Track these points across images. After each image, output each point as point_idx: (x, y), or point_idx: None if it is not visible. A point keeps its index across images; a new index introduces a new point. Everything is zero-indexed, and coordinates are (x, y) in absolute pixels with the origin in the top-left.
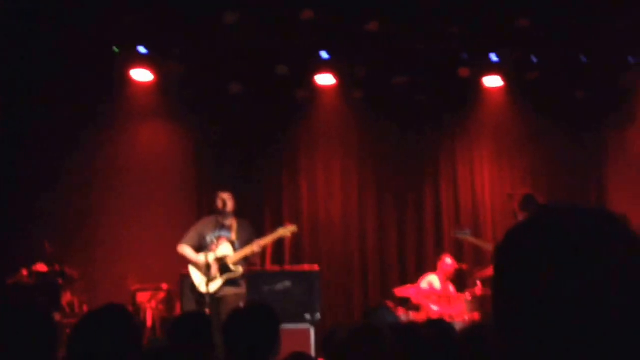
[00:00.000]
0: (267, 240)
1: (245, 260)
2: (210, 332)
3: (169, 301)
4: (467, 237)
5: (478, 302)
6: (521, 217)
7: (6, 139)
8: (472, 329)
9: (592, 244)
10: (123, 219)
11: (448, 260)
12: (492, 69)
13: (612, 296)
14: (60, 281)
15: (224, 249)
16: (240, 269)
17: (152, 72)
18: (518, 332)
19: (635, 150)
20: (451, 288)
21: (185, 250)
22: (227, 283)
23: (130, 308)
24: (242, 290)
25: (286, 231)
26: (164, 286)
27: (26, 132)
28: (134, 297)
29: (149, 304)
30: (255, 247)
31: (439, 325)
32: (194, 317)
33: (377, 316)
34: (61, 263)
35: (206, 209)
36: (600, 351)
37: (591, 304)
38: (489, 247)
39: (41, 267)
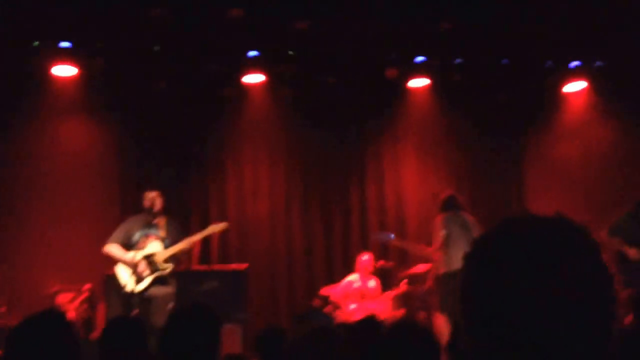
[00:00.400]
0: (198, 237)
1: (175, 259)
2: (144, 336)
3: (91, 302)
4: (391, 240)
5: (403, 300)
6: (439, 218)
7: None
8: (398, 325)
9: (553, 252)
10: (44, 218)
11: (365, 257)
12: (418, 70)
13: (570, 302)
14: None
15: (153, 247)
16: (169, 267)
17: (75, 67)
18: (482, 335)
19: (554, 154)
20: (373, 284)
21: (112, 249)
22: (156, 282)
23: None
24: (171, 289)
25: (217, 227)
26: (87, 286)
27: None
28: (54, 298)
29: (71, 304)
30: (185, 243)
31: (368, 324)
32: (124, 321)
33: (312, 319)
34: None
35: (130, 207)
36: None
37: (552, 310)
38: (413, 248)
39: None
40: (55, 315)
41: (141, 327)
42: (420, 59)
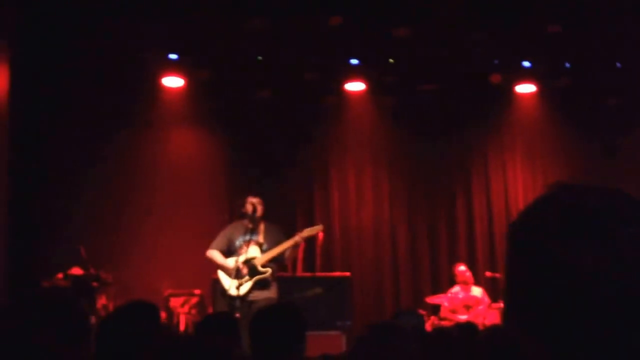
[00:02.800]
0: (295, 240)
1: (276, 264)
2: (237, 331)
3: (201, 306)
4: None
5: None
6: None
7: (41, 145)
8: (493, 331)
9: (606, 220)
10: (156, 224)
11: (461, 268)
12: (524, 75)
13: (624, 272)
14: (95, 285)
15: (252, 252)
16: (269, 270)
17: (182, 78)
18: (529, 309)
19: None
20: (477, 294)
21: (214, 254)
22: (258, 287)
23: (163, 313)
24: (273, 294)
25: (313, 230)
26: (197, 291)
27: (60, 139)
28: (167, 302)
29: (182, 308)
30: (281, 248)
31: (465, 329)
32: (219, 316)
33: (402, 319)
34: (96, 267)
35: (237, 214)
36: (614, 330)
37: (603, 280)
38: None
39: (77, 271)
40: (144, 305)
41: (233, 322)
42: (526, 64)
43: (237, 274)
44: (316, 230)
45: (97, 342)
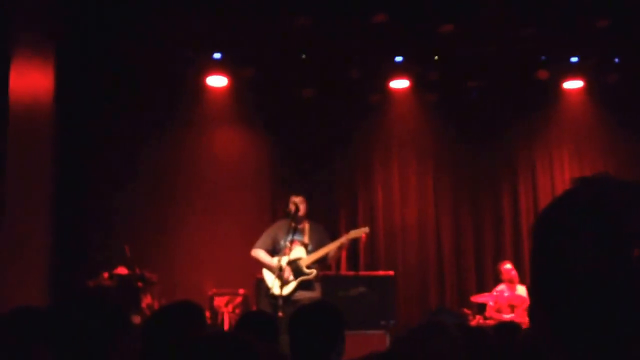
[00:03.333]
0: (340, 241)
1: (320, 263)
2: (275, 329)
3: (245, 306)
4: None
5: None
6: None
7: (85, 145)
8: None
9: (622, 215)
10: (200, 223)
11: (507, 266)
12: (572, 71)
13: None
14: (140, 284)
15: (297, 252)
16: (313, 272)
17: (226, 77)
18: (549, 306)
19: None
20: (522, 292)
21: (259, 253)
22: (302, 287)
23: (208, 312)
24: (316, 294)
25: (359, 232)
26: (241, 291)
27: (104, 139)
28: (211, 301)
29: (226, 308)
30: (327, 249)
31: (505, 328)
32: (257, 314)
33: (441, 317)
34: (141, 267)
35: (281, 213)
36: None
37: (613, 277)
38: None
39: (122, 271)
40: (189, 305)
41: (270, 320)
42: (574, 59)
43: (281, 274)
44: (362, 232)
45: (142, 341)
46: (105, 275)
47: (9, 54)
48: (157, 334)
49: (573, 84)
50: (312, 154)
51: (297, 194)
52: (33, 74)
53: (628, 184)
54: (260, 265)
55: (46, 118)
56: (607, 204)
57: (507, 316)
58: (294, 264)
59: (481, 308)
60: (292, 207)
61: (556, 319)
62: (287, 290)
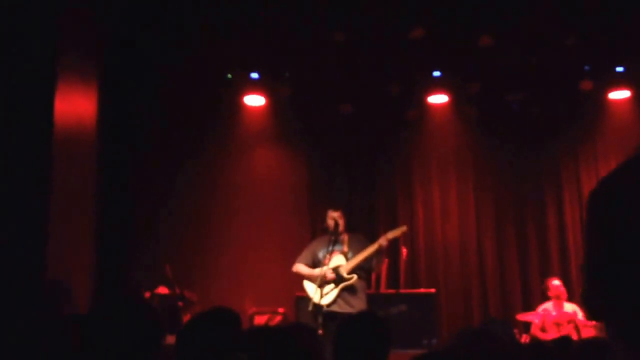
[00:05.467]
0: (379, 243)
1: (364, 272)
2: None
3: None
4: None
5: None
6: None
7: (127, 168)
8: (587, 342)
9: None
10: (239, 242)
11: (555, 282)
12: (617, 81)
13: None
14: (180, 304)
15: (337, 260)
16: (354, 277)
17: (263, 96)
18: (604, 279)
19: None
20: (570, 310)
21: (300, 267)
22: (345, 295)
23: None
24: (361, 306)
25: (397, 232)
26: (281, 309)
27: (146, 161)
28: (251, 320)
29: None
30: (367, 252)
31: (559, 342)
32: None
33: (492, 326)
34: (181, 286)
35: (319, 230)
36: None
37: None
38: None
39: (163, 290)
40: (225, 311)
41: (315, 336)
42: (619, 69)
43: (322, 282)
44: (400, 231)
45: (177, 346)
46: (147, 295)
47: (54, 78)
48: (192, 340)
49: (619, 94)
50: (351, 171)
51: (335, 209)
52: (77, 98)
53: None
54: (302, 279)
55: (89, 142)
56: None
57: (552, 335)
58: (334, 272)
59: (527, 326)
60: (330, 222)
61: (613, 297)
62: (329, 298)
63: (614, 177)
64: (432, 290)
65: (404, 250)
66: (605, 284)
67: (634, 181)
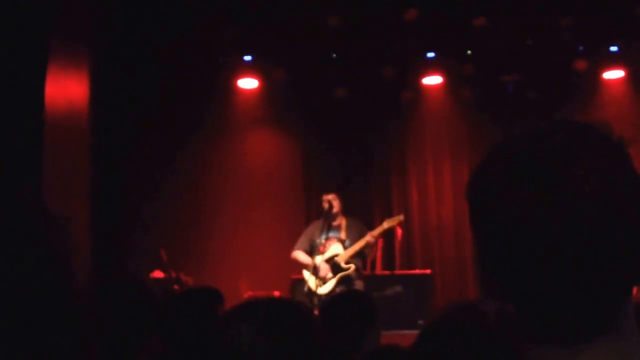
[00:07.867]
0: (376, 232)
1: (360, 257)
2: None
3: None
4: None
5: None
6: None
7: (120, 151)
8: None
9: (548, 164)
10: (233, 226)
11: None
12: (612, 60)
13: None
14: (176, 288)
15: (334, 249)
16: (351, 266)
17: (256, 79)
18: (487, 267)
19: None
20: None
21: (298, 254)
22: (342, 284)
23: None
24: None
25: (394, 221)
26: (276, 293)
27: (138, 143)
28: None
29: None
30: (364, 241)
31: None
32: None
33: (484, 302)
34: (177, 270)
35: (315, 213)
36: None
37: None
38: None
39: (158, 274)
40: (207, 290)
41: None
42: (613, 48)
43: (319, 272)
44: (397, 220)
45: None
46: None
47: (45, 62)
48: (175, 317)
49: (613, 74)
50: (345, 154)
51: (329, 192)
52: (68, 81)
53: (561, 127)
54: (300, 266)
55: (82, 125)
56: (534, 155)
57: None
58: (331, 261)
59: None
60: (325, 205)
61: (506, 283)
62: (327, 288)
63: (482, 168)
64: (428, 271)
65: (399, 231)
66: (485, 270)
67: (498, 172)
